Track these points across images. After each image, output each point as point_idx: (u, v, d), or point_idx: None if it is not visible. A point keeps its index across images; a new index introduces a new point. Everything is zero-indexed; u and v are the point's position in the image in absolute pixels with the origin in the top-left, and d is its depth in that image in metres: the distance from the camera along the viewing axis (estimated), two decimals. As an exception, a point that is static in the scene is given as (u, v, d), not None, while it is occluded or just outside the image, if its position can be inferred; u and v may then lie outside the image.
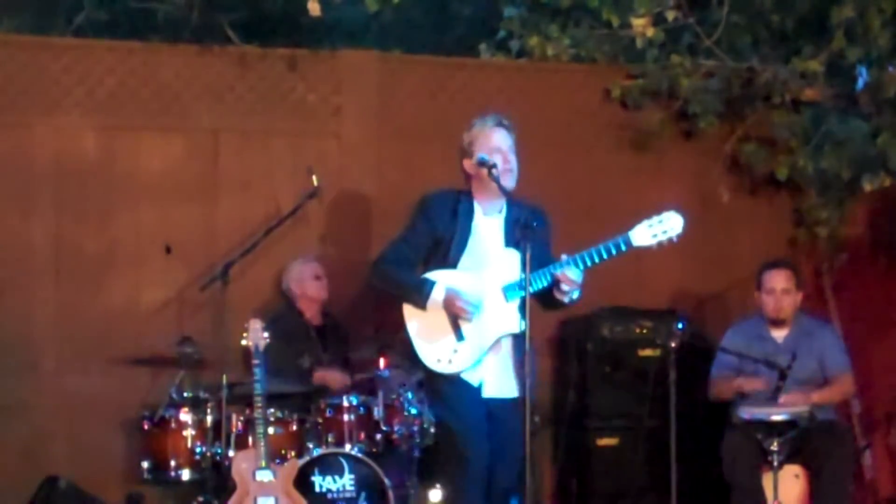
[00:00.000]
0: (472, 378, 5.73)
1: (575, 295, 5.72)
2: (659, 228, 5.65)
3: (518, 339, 5.59)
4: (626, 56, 7.91)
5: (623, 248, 5.62)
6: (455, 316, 5.69)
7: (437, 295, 5.69)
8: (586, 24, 7.91)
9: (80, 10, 7.97)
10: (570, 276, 5.61)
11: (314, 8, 7.22)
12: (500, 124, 5.85)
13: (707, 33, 7.72)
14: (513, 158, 5.80)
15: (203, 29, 7.60)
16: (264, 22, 8.07)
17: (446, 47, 8.43)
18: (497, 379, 5.74)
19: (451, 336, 5.70)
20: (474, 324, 5.69)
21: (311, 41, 7.88)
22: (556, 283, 5.66)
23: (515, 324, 5.63)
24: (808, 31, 7.83)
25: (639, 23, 7.53)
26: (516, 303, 5.63)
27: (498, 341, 5.72)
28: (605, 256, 5.62)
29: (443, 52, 8.26)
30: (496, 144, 5.78)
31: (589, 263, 5.62)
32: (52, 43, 7.43)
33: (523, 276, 5.38)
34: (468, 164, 5.84)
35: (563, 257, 5.64)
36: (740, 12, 7.76)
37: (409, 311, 5.77)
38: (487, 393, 5.74)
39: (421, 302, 5.72)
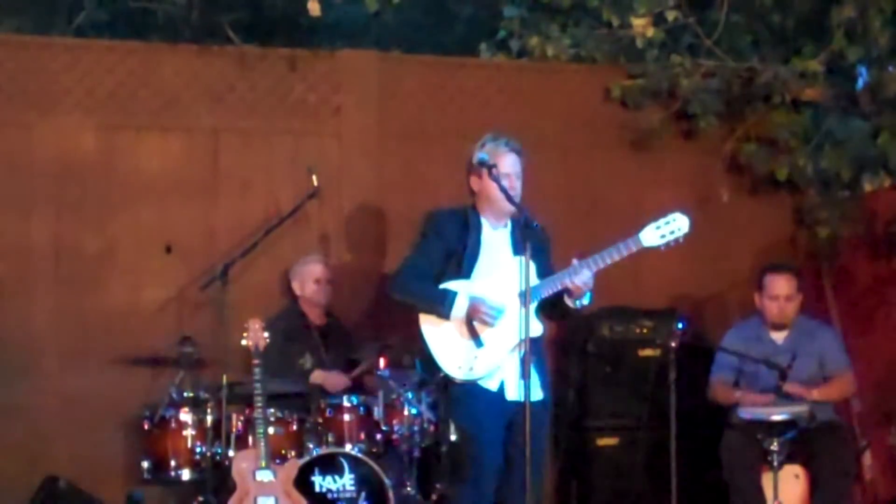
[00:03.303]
0: (491, 384, 5.78)
1: (586, 300, 5.78)
2: (667, 229, 5.72)
3: (535, 342, 5.66)
4: (626, 56, 7.91)
5: (633, 249, 5.70)
6: (478, 322, 5.74)
7: (460, 304, 5.75)
8: (586, 24, 7.91)
9: (80, 10, 7.98)
10: (580, 281, 5.66)
11: (314, 8, 7.23)
12: (513, 149, 5.86)
13: (707, 33, 7.72)
14: (518, 185, 5.84)
15: (203, 29, 7.60)
16: (264, 22, 8.07)
17: (446, 47, 8.43)
18: (518, 382, 5.72)
19: (471, 343, 5.76)
20: (493, 330, 5.75)
21: (311, 41, 7.89)
22: (566, 289, 5.71)
23: (535, 327, 5.68)
24: (808, 31, 7.83)
25: (639, 23, 7.53)
26: (533, 307, 5.69)
27: (517, 346, 5.71)
28: (615, 258, 5.69)
29: (443, 52, 8.25)
30: (506, 170, 5.79)
31: (601, 266, 5.68)
32: (52, 43, 7.42)
33: (534, 281, 5.44)
34: (475, 181, 5.89)
35: (574, 262, 5.70)
36: (740, 12, 7.77)
37: (425, 320, 5.83)
38: (510, 396, 5.77)
39: (445, 312, 5.77)
